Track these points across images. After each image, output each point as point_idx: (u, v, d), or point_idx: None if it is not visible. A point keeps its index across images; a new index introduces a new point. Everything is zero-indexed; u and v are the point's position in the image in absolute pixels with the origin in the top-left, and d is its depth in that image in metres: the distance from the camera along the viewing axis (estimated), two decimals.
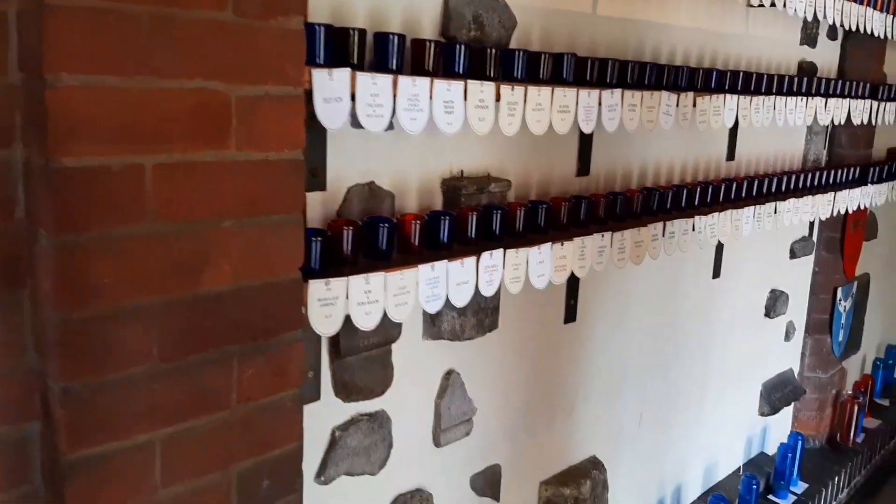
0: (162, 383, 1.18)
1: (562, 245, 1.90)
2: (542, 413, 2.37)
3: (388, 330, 1.81)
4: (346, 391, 1.77)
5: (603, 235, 2.03)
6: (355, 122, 1.43)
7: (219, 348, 1.24)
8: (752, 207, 2.61)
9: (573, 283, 2.33)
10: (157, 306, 1.15)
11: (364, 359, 1.78)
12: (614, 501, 2.68)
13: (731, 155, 2.84)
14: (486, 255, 1.70)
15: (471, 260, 1.67)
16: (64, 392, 1.09)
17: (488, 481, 2.22)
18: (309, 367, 1.69)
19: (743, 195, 2.65)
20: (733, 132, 2.82)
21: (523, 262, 1.80)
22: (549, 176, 2.15)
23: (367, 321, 1.48)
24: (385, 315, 1.54)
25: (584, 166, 2.23)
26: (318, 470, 1.76)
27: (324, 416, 1.75)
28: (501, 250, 1.73)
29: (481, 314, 1.98)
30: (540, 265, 1.85)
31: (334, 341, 1.71)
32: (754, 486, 3.18)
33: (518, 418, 2.27)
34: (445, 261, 1.61)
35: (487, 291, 1.73)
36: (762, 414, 3.59)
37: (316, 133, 1.54)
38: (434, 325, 1.92)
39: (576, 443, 2.53)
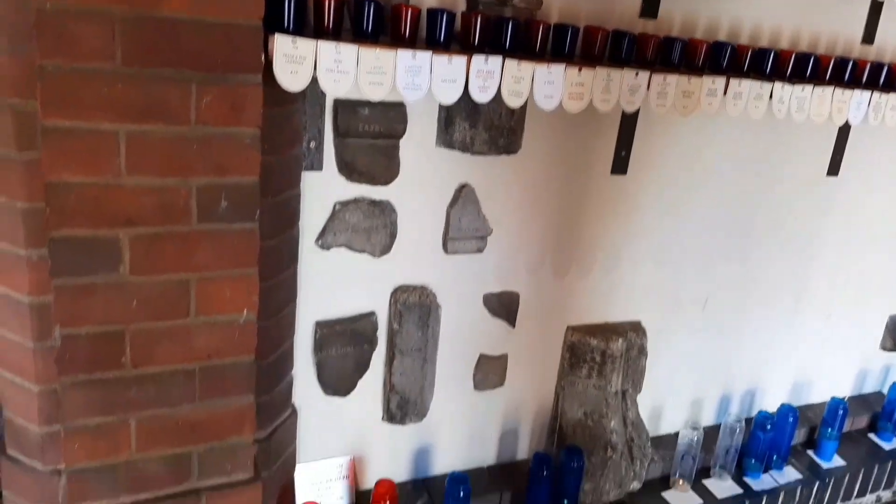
0: (125, 84, 1.45)
1: (579, 70, 1.91)
2: (576, 260, 2.40)
3: (392, 124, 1.96)
4: (347, 170, 1.97)
5: (637, 74, 1.98)
6: None
7: (177, 69, 1.48)
8: (866, 91, 2.34)
9: (627, 133, 2.30)
10: (119, 15, 1.41)
11: (368, 146, 1.96)
12: (656, 372, 2.66)
13: (868, 37, 2.51)
14: (478, 57, 1.77)
15: (460, 59, 1.75)
16: (41, 69, 1.40)
17: (504, 304, 2.34)
18: (311, 138, 1.91)
19: (861, 78, 2.37)
20: (876, 7, 2.48)
21: (527, 76, 1.84)
22: (605, 12, 2.09)
23: (334, 87, 1.65)
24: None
25: (650, 4, 2.13)
26: (318, 234, 2.00)
27: (328, 188, 1.97)
28: (500, 57, 1.79)
29: (494, 131, 2.05)
30: (548, 85, 1.87)
31: (334, 117, 1.90)
32: (841, 412, 2.95)
33: (543, 255, 2.34)
34: (430, 52, 1.71)
35: (480, 98, 1.80)
36: (884, 348, 3.25)
37: None
38: (447, 132, 2.03)
39: (616, 302, 2.54)
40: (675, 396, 2.82)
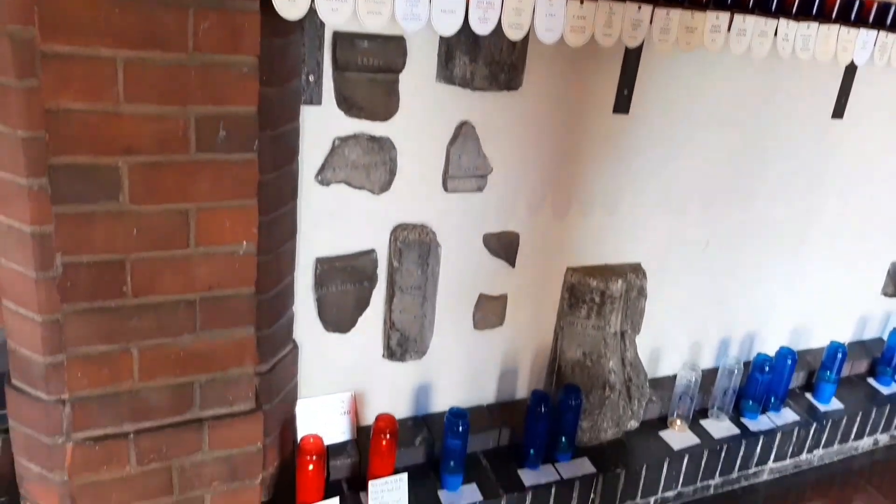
0: (122, 9, 1.44)
1: (581, 3, 1.88)
2: (576, 200, 2.40)
3: (392, 58, 1.95)
4: (346, 105, 1.96)
5: (640, 7, 1.95)
6: None
7: None
8: (873, 31, 2.31)
9: (630, 71, 2.27)
10: None
11: (367, 80, 1.95)
12: (656, 314, 2.67)
13: None
14: None
15: None
16: None
17: (503, 245, 2.35)
18: (310, 71, 1.90)
19: (867, 18, 2.33)
20: None
21: (528, 8, 1.81)
22: None
23: (332, 16, 1.63)
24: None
25: None
26: (318, 170, 2.00)
27: (326, 123, 1.96)
28: None
29: (494, 67, 2.03)
30: (549, 18, 1.85)
31: (333, 50, 1.89)
32: (839, 356, 2.98)
33: (544, 195, 2.33)
34: None
35: (480, 29, 1.79)
36: (886, 294, 3.26)
37: None
38: (447, 67, 2.02)
39: (616, 243, 2.54)
40: (675, 339, 2.84)
